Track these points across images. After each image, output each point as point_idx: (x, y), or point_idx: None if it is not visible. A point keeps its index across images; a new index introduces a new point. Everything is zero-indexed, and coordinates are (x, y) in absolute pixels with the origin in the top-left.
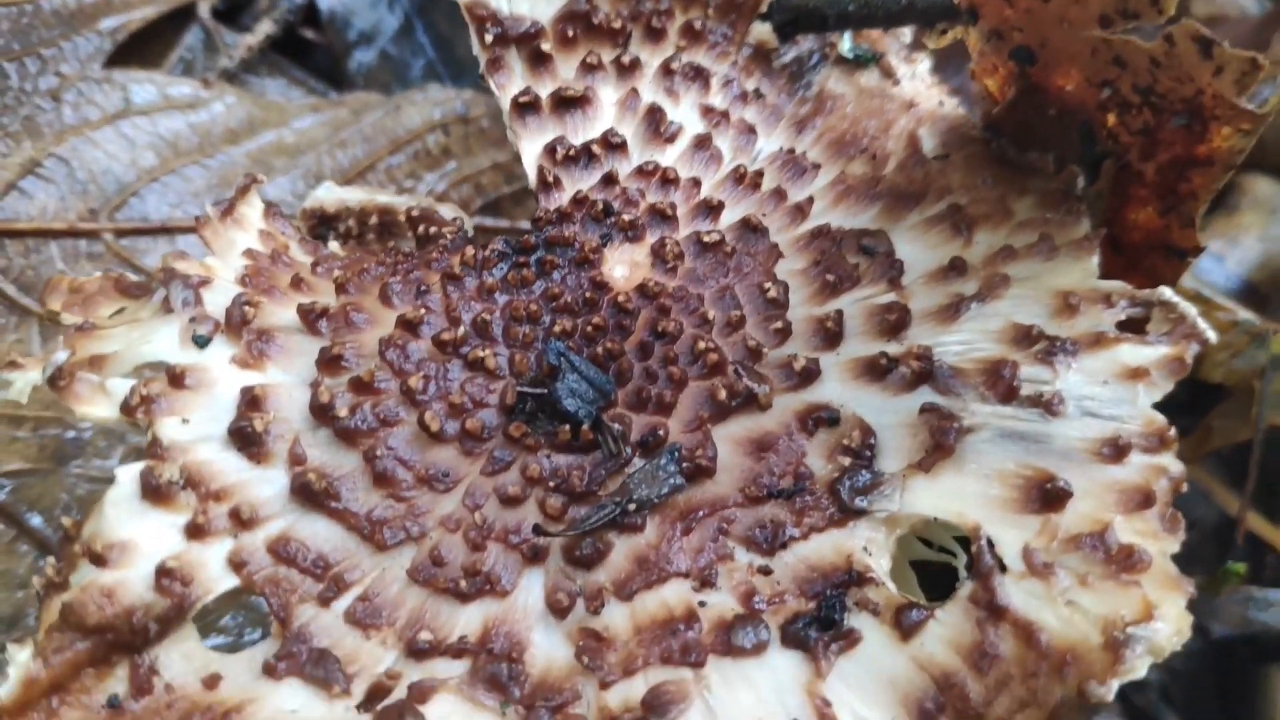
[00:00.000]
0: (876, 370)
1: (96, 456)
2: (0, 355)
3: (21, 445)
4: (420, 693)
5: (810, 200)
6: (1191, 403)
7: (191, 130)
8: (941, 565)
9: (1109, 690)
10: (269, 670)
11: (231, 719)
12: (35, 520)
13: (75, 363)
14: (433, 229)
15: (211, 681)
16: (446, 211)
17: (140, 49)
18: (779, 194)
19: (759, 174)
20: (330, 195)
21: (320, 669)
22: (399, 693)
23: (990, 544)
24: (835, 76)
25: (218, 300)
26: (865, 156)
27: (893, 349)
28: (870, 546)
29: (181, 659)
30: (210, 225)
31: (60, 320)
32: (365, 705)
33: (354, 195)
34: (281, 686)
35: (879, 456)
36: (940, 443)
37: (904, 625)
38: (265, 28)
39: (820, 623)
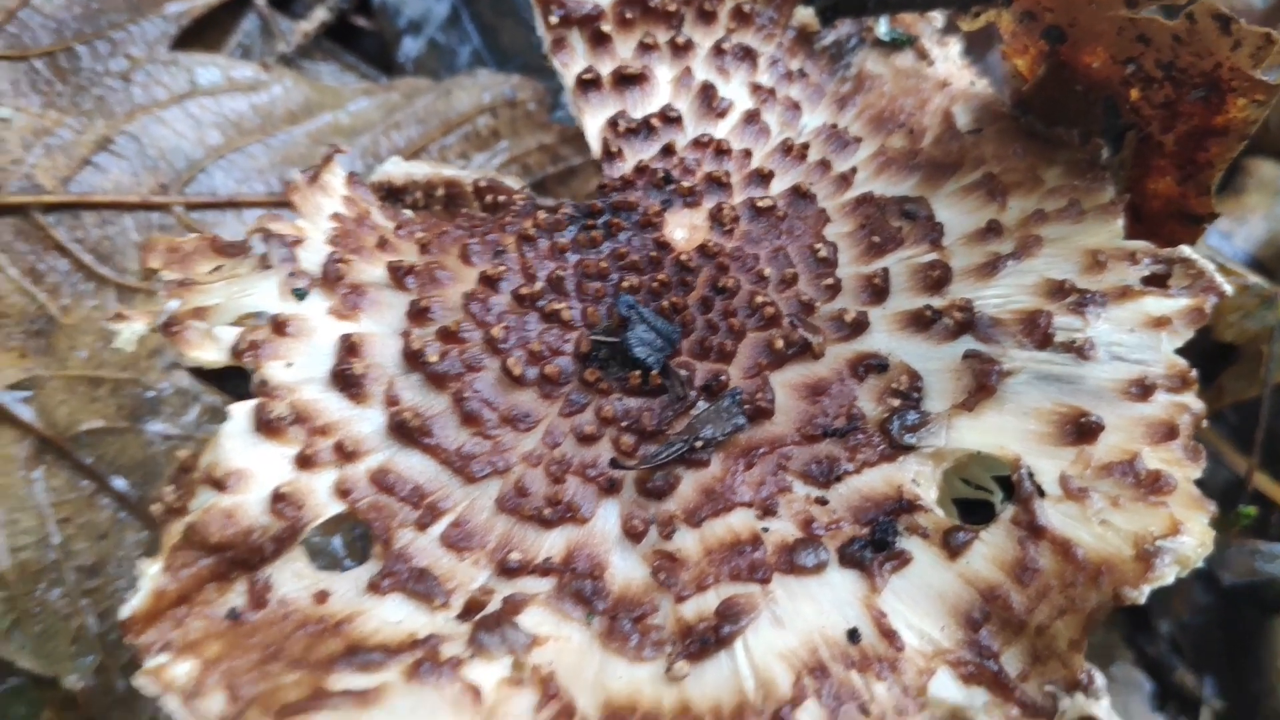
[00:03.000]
0: (922, 321)
1: (172, 416)
2: (79, 321)
3: (101, 405)
4: (513, 605)
5: (854, 170)
6: (1205, 367)
7: (254, 111)
8: (981, 503)
9: (1141, 594)
10: (374, 587)
11: (342, 629)
12: (116, 480)
13: (184, 311)
14: (500, 197)
15: (321, 597)
16: (511, 182)
17: (201, 35)
18: (824, 165)
19: (805, 146)
20: (398, 169)
21: (422, 585)
22: (494, 605)
23: (1030, 473)
24: (873, 58)
25: (311, 258)
26: (903, 131)
27: (936, 302)
28: (919, 479)
29: (293, 577)
30: (299, 191)
31: (160, 277)
32: (463, 616)
33: (420, 169)
34: (386, 601)
35: (925, 398)
36: (983, 384)
37: (951, 546)
38: (320, 15)
39: (874, 545)
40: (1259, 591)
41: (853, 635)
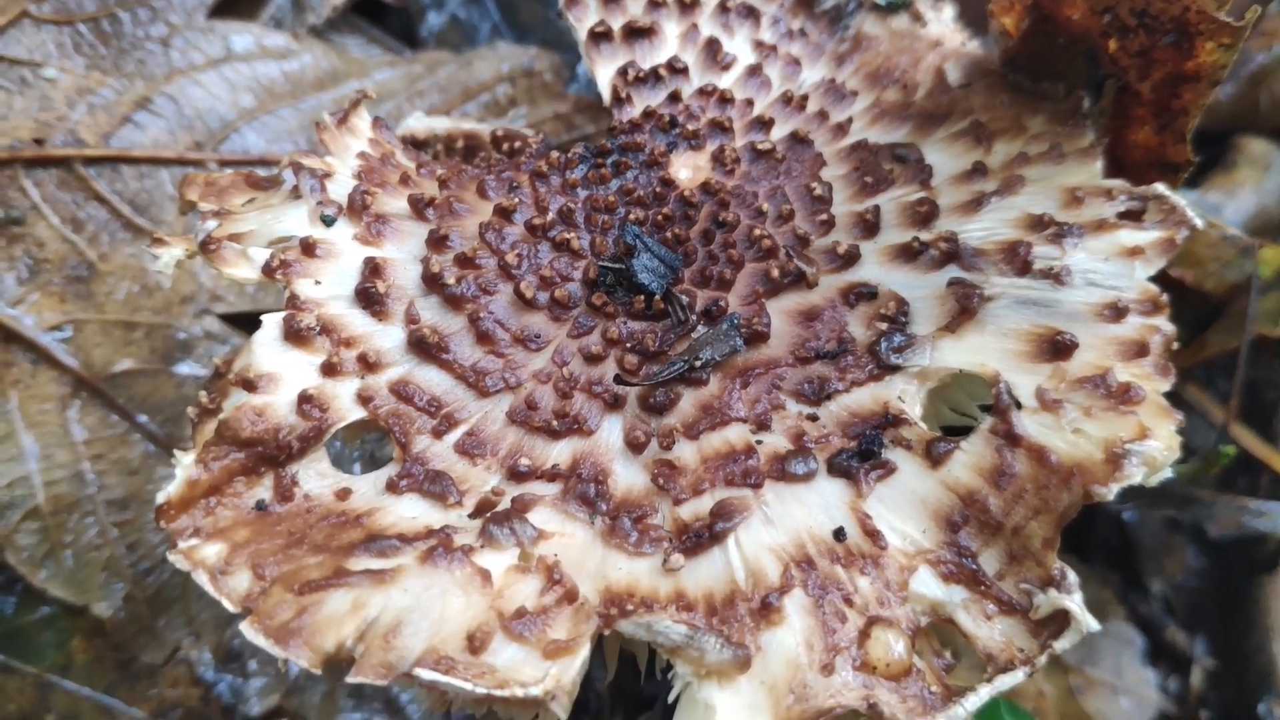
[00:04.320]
0: (909, 253)
1: (201, 358)
2: (117, 268)
3: (135, 348)
4: (522, 504)
5: (850, 120)
6: (1192, 323)
7: (284, 77)
8: (966, 429)
9: (1110, 491)
10: (391, 486)
11: (362, 521)
12: (147, 418)
13: (220, 234)
14: (517, 143)
15: (343, 494)
16: (527, 132)
17: (235, 7)
18: (822, 115)
19: (804, 98)
20: (420, 123)
21: (437, 485)
22: (503, 505)
23: (1008, 387)
24: (870, 20)
25: (339, 190)
26: (898, 86)
27: (924, 235)
28: (904, 396)
29: (317, 475)
30: (329, 131)
31: (198, 209)
32: (475, 514)
33: (441, 122)
34: (403, 499)
35: (912, 322)
36: (965, 307)
37: (934, 455)
38: None
39: (861, 455)
40: (1248, 549)
41: (839, 534)
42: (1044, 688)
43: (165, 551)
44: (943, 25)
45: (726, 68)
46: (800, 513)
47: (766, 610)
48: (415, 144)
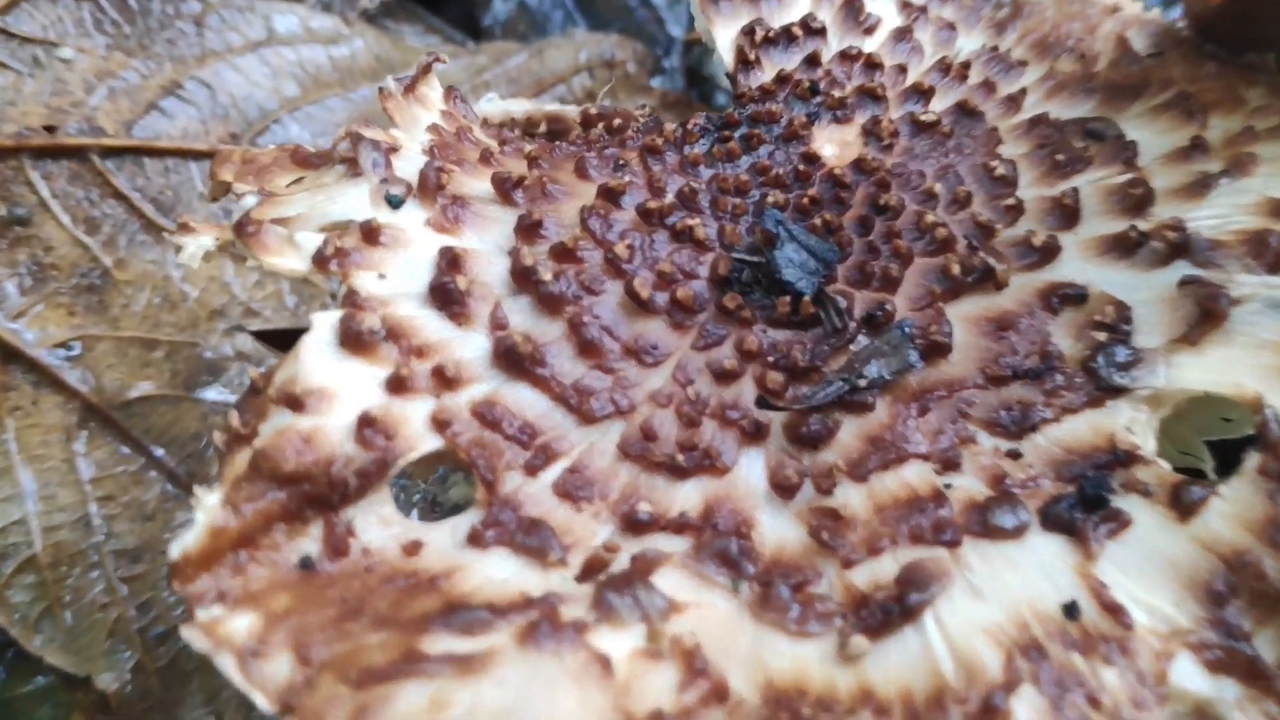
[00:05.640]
0: (1125, 245)
1: (231, 383)
2: (135, 277)
3: (154, 370)
4: (645, 563)
5: (1023, 92)
6: None
7: (332, 64)
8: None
9: None
10: (475, 538)
11: (439, 585)
12: (167, 454)
13: (260, 215)
14: (616, 121)
15: (412, 548)
16: (629, 108)
17: None
18: (988, 85)
19: (965, 66)
20: (494, 106)
21: (534, 537)
22: (619, 565)
23: (1276, 414)
24: None
25: (407, 167)
26: (1073, 55)
27: (1141, 224)
28: (1133, 426)
29: (379, 523)
30: (394, 99)
31: (234, 191)
32: (583, 577)
33: (519, 105)
34: (490, 555)
35: (1136, 332)
36: (1210, 311)
37: (1182, 503)
38: None
39: (1085, 504)
40: None
41: (1070, 610)
42: None
43: (181, 618)
44: None
45: (870, 30)
46: (1015, 580)
47: (990, 715)
48: None
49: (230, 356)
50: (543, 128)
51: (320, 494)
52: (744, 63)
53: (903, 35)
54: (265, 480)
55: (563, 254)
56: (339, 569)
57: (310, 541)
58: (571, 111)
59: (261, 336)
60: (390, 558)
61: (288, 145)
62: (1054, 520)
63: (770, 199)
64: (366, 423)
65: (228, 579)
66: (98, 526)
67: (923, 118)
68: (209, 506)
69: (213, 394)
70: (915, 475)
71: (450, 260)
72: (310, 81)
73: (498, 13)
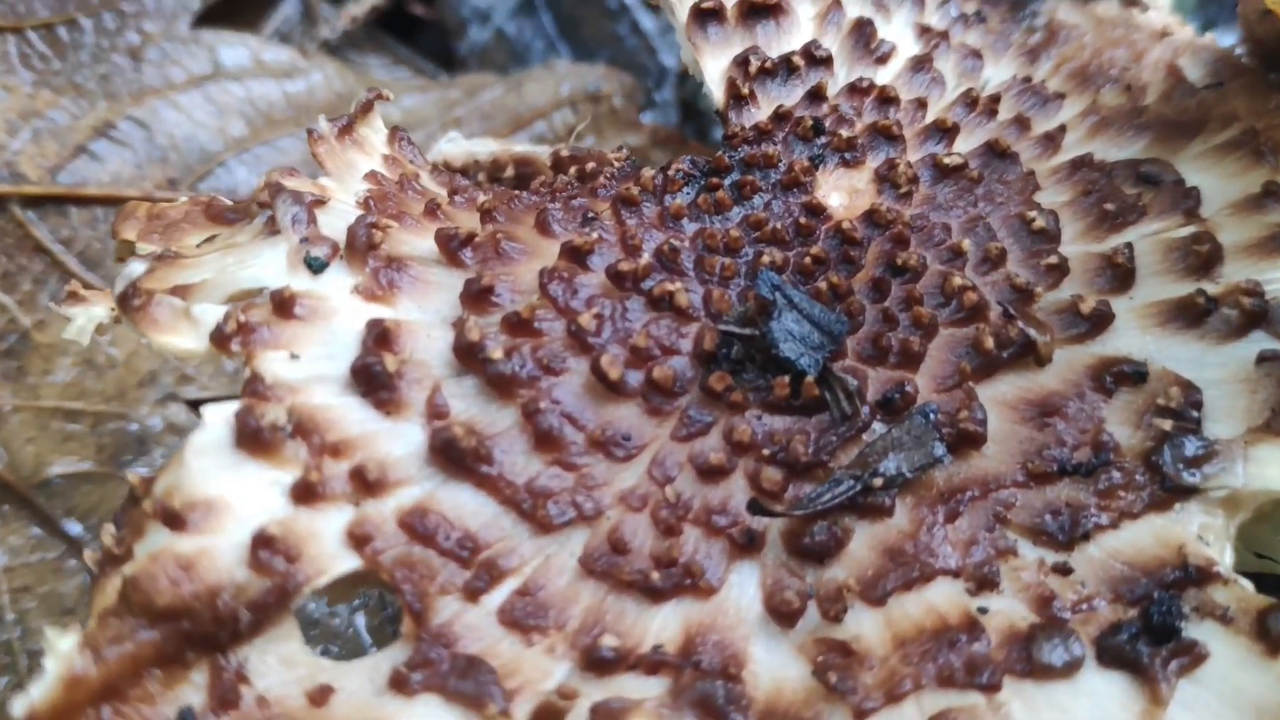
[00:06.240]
0: (1191, 313)
1: (163, 460)
2: (58, 340)
3: (77, 444)
4: (608, 714)
5: (1062, 129)
6: None
7: (287, 101)
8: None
9: None
10: (398, 683)
11: None
12: (84, 535)
13: (154, 284)
14: (589, 165)
15: (320, 696)
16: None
17: (232, 17)
18: (1021, 122)
19: (994, 99)
20: (456, 147)
21: (469, 682)
22: (576, 717)
23: None
24: (1066, 6)
25: (335, 223)
26: (1118, 87)
27: (1209, 288)
28: (1206, 534)
29: (280, 664)
30: (325, 142)
31: (136, 252)
32: None
33: (484, 146)
34: (415, 705)
35: (1207, 419)
36: None
37: (1271, 635)
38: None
39: (1151, 634)
40: None
41: None
42: None
43: None
44: (1164, 12)
45: (883, 59)
46: None
47: None
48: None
49: (159, 430)
50: (510, 171)
51: (204, 632)
52: (736, 98)
53: (921, 65)
54: (135, 616)
55: (517, 326)
56: None
57: (192, 690)
58: (543, 153)
59: (197, 406)
60: (292, 709)
61: (201, 197)
62: (1113, 654)
63: (766, 258)
64: (263, 542)
65: None
66: (10, 622)
67: (946, 160)
68: (62, 653)
69: (141, 471)
70: (944, 597)
71: (378, 335)
72: (261, 120)
73: (474, 41)
